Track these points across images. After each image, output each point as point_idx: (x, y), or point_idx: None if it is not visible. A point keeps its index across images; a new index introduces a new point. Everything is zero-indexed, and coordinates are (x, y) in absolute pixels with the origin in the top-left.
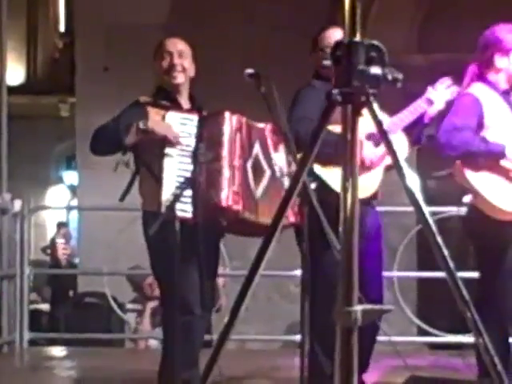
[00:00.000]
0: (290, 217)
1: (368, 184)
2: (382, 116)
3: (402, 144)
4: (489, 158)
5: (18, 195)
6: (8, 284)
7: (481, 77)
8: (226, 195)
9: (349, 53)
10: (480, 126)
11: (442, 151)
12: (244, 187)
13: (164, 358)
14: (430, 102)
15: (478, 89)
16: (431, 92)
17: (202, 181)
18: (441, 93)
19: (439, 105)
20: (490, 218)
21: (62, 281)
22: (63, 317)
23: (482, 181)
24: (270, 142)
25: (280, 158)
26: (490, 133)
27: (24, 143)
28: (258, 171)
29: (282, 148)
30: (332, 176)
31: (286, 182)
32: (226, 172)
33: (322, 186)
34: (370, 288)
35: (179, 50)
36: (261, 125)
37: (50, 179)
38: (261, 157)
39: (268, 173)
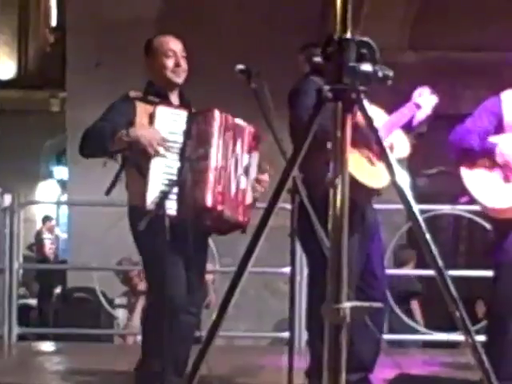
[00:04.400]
0: (239, 216)
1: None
2: (376, 111)
3: (402, 144)
4: (481, 155)
5: (7, 190)
6: None
7: None
8: (211, 195)
9: (340, 49)
10: (500, 127)
11: (450, 151)
12: (227, 187)
13: (146, 355)
14: (418, 107)
15: (508, 92)
16: (418, 97)
17: (188, 179)
18: (427, 98)
19: (427, 109)
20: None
21: (50, 276)
22: (52, 312)
23: (475, 180)
24: (245, 143)
25: (251, 161)
26: None
27: (14, 138)
28: (236, 169)
29: (255, 154)
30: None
31: (244, 183)
32: (212, 172)
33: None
34: (374, 288)
35: (181, 49)
36: (243, 123)
37: (40, 174)
38: (239, 156)
39: (240, 172)
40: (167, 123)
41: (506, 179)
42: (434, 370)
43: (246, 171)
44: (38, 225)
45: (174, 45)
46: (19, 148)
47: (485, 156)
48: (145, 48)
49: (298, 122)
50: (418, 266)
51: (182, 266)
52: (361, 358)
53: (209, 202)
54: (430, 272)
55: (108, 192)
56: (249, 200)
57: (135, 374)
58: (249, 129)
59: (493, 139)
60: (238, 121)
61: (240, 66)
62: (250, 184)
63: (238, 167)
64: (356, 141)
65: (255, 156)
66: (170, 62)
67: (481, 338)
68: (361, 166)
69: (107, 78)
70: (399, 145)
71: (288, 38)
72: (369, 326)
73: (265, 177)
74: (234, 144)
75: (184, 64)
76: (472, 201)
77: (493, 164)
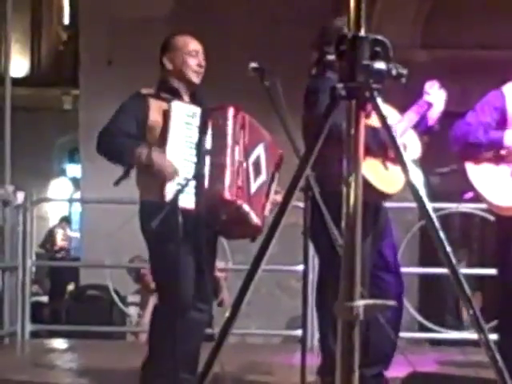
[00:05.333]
0: (255, 218)
1: (399, 179)
2: (389, 111)
3: (415, 143)
4: (489, 149)
5: (20, 187)
6: (10, 276)
7: None
8: (231, 189)
9: (353, 47)
10: (503, 121)
11: (450, 144)
12: (246, 183)
13: (154, 355)
14: (430, 105)
15: (510, 85)
16: (428, 95)
17: (207, 173)
18: (436, 94)
19: (439, 106)
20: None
21: (62, 273)
22: (65, 309)
23: (480, 175)
24: (275, 156)
25: (275, 176)
26: None
27: (27, 135)
28: (257, 170)
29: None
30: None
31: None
32: (230, 166)
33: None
34: (388, 284)
35: (203, 50)
36: (263, 131)
37: (53, 172)
38: (262, 159)
39: (263, 177)
40: (182, 118)
41: None
42: (447, 368)
43: (269, 187)
44: (51, 223)
45: (198, 45)
46: (32, 145)
47: (492, 149)
48: (164, 44)
49: (315, 121)
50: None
51: (191, 263)
52: (377, 354)
53: (228, 194)
54: (433, 269)
55: (117, 183)
56: (267, 212)
57: (142, 374)
58: (275, 147)
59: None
60: (258, 125)
61: (253, 64)
62: (270, 199)
63: (261, 169)
64: (370, 150)
65: (277, 176)
66: (193, 62)
67: (493, 336)
68: (375, 170)
69: (120, 75)
70: (412, 145)
71: (300, 35)
72: (384, 324)
73: (278, 197)
74: (253, 143)
75: (204, 64)
76: (476, 197)
77: (500, 158)
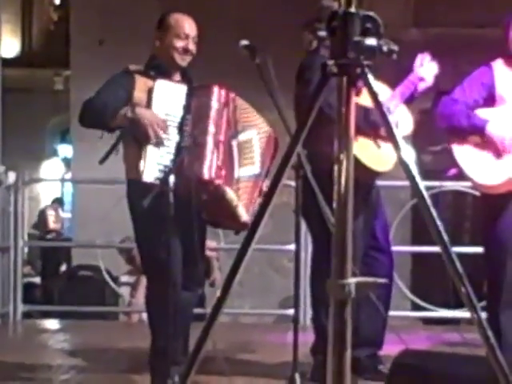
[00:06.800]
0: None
1: (391, 157)
2: (381, 87)
3: (406, 120)
4: (471, 134)
5: (12, 168)
6: (2, 257)
7: (504, 52)
8: (209, 168)
9: (344, 24)
10: (491, 97)
11: (436, 121)
12: (228, 163)
13: (153, 330)
14: (421, 79)
15: (499, 62)
16: (420, 69)
17: (187, 153)
18: (428, 68)
19: (429, 80)
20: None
21: (55, 254)
22: (57, 290)
23: (465, 155)
24: (271, 148)
25: (271, 168)
26: (506, 107)
27: (18, 116)
28: (246, 155)
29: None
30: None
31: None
32: (211, 146)
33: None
34: (379, 261)
35: (195, 35)
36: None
37: (45, 152)
38: (256, 147)
39: (256, 168)
40: (166, 97)
41: (497, 155)
42: (439, 347)
43: (266, 175)
44: (44, 204)
45: (190, 28)
46: (23, 126)
47: (474, 133)
48: (159, 21)
49: (305, 98)
50: None
51: (177, 242)
52: (369, 335)
53: (206, 174)
54: (425, 248)
55: (102, 161)
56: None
57: (150, 357)
58: (270, 132)
59: (482, 113)
60: (251, 108)
61: (244, 42)
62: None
63: (254, 159)
64: (362, 130)
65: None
66: (179, 44)
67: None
68: (366, 148)
69: (111, 55)
70: (403, 121)
71: (292, 13)
72: (375, 303)
73: None
74: (237, 121)
75: (193, 49)
76: (460, 173)
77: (483, 140)
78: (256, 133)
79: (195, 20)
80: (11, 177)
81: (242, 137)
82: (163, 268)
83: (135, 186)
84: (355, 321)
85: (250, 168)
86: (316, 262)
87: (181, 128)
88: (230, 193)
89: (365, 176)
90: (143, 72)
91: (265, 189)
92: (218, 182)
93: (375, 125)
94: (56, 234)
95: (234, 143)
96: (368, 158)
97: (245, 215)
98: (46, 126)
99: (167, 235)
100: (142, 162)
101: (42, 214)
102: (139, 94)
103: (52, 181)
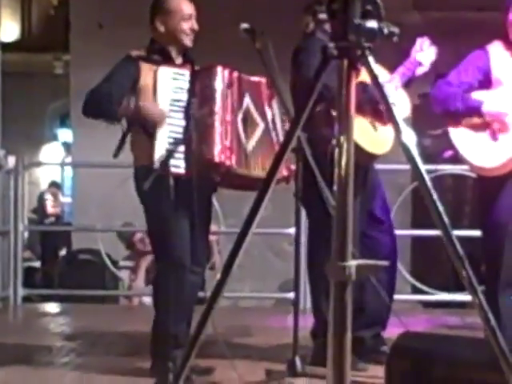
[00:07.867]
0: (283, 170)
1: (388, 140)
2: (380, 70)
3: (404, 102)
4: (467, 116)
5: (12, 152)
6: (2, 240)
7: (503, 35)
8: (219, 151)
9: (345, 6)
10: (487, 81)
11: (431, 104)
12: (236, 142)
13: (158, 312)
14: (420, 64)
15: (495, 45)
16: (419, 54)
17: (195, 136)
18: (426, 54)
19: (426, 66)
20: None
21: (54, 238)
22: (57, 274)
23: (462, 138)
24: (264, 96)
25: (274, 112)
26: (502, 90)
27: (18, 100)
28: (249, 124)
29: (275, 103)
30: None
31: (278, 137)
32: (218, 127)
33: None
34: (382, 244)
35: (195, 14)
36: (255, 78)
37: (45, 137)
38: (252, 110)
39: (261, 126)
40: (170, 83)
41: (494, 137)
42: (438, 329)
43: (273, 123)
44: (43, 188)
45: (191, 9)
46: (23, 111)
47: (470, 115)
48: (157, 6)
49: (302, 81)
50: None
51: (185, 226)
52: (373, 315)
53: (216, 157)
54: (425, 231)
55: (116, 155)
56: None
57: (153, 336)
58: (262, 82)
59: (476, 95)
60: (246, 76)
61: (244, 25)
62: (281, 134)
63: (256, 119)
64: (360, 105)
65: (275, 106)
66: (186, 26)
67: None
68: (364, 131)
69: (111, 39)
70: (401, 104)
71: None
72: (377, 285)
73: (286, 127)
74: (242, 98)
75: (197, 27)
76: (457, 156)
77: (479, 122)
78: (248, 95)
79: (194, 3)
80: (11, 161)
81: (242, 109)
82: (173, 252)
83: (143, 172)
84: (361, 302)
85: (257, 131)
86: (313, 244)
87: (187, 112)
88: (242, 170)
89: (362, 159)
90: (146, 58)
91: (279, 129)
92: (228, 163)
93: (373, 101)
94: (56, 218)
95: (239, 118)
96: (365, 141)
97: (258, 173)
98: (45, 111)
99: (172, 217)
100: (152, 148)
101: (40, 199)
102: (145, 81)
103: (52, 165)
